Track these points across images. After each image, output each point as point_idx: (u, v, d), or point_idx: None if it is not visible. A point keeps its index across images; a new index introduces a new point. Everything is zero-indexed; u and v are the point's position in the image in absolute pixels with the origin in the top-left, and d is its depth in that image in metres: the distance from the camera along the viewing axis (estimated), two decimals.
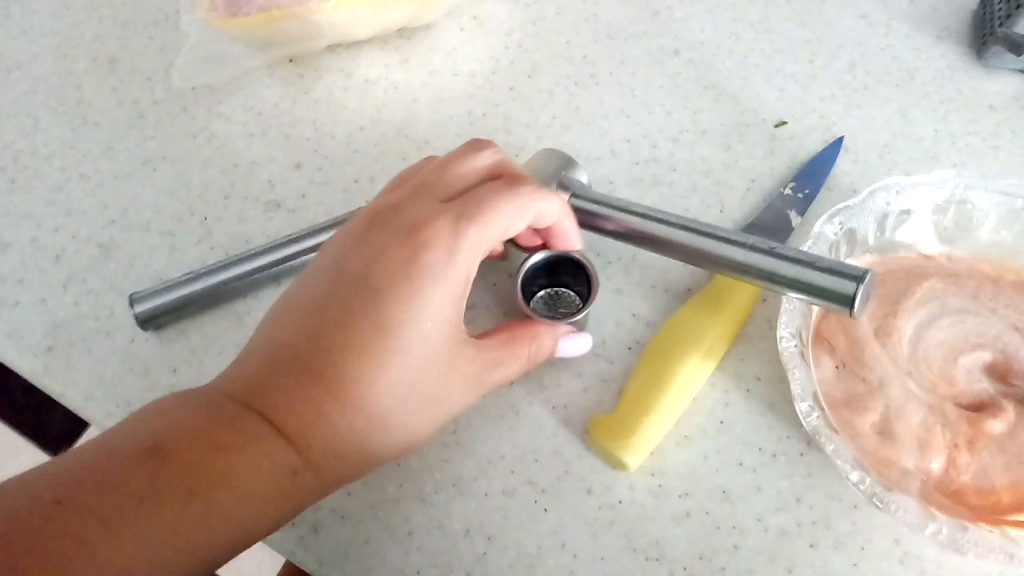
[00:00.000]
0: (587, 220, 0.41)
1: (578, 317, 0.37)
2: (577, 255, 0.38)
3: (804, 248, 0.37)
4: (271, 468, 0.28)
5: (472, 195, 0.32)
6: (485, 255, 0.32)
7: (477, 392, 0.33)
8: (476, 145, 0.35)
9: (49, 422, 1.30)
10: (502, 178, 0.34)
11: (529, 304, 0.39)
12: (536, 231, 0.37)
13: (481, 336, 0.34)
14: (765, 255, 0.35)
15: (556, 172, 0.42)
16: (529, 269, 0.38)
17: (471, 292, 0.43)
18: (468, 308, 0.42)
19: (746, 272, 0.36)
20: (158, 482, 0.26)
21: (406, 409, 0.30)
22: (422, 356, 0.30)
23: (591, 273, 0.38)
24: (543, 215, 0.34)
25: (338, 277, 0.31)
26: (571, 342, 0.37)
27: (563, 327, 0.37)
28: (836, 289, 0.33)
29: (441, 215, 0.31)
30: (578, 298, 0.42)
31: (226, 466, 0.27)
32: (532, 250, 0.38)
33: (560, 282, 0.42)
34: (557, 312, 0.42)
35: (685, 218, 0.38)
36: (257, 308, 0.44)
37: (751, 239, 0.36)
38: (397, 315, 0.29)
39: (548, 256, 0.38)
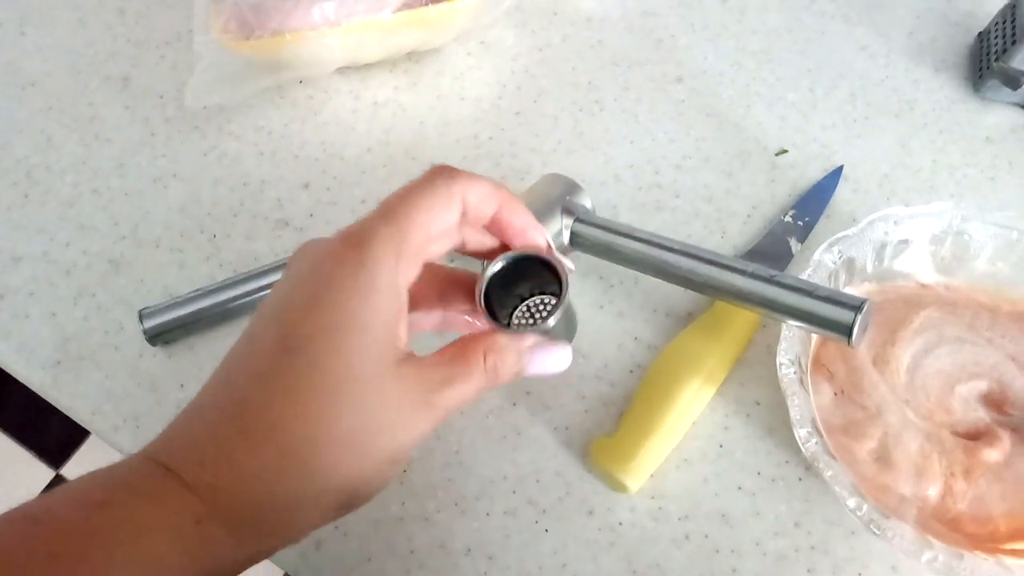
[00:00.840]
0: (591, 245, 0.41)
1: (546, 324, 0.31)
2: (542, 254, 0.31)
3: (804, 276, 0.38)
4: (166, 520, 0.24)
5: (387, 198, 0.28)
6: (417, 260, 0.28)
7: (428, 417, 0.27)
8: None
9: (49, 433, 1.31)
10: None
11: (511, 317, 0.33)
12: (491, 231, 0.31)
13: (430, 356, 0.29)
14: (765, 283, 0.35)
15: (560, 197, 0.42)
16: (492, 278, 0.31)
17: None
18: None
19: (746, 299, 0.36)
20: (26, 546, 0.23)
21: (332, 440, 0.25)
22: (340, 377, 0.25)
23: (560, 273, 0.31)
24: (476, 204, 0.29)
25: (256, 314, 0.27)
26: (544, 356, 0.30)
27: (529, 338, 0.30)
28: (835, 318, 0.33)
29: (353, 225, 0.27)
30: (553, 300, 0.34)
31: (104, 523, 0.23)
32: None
33: (543, 292, 0.34)
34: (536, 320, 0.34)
35: (688, 245, 0.39)
36: None
37: (751, 267, 0.36)
38: (302, 331, 0.25)
39: (508, 260, 0.31)
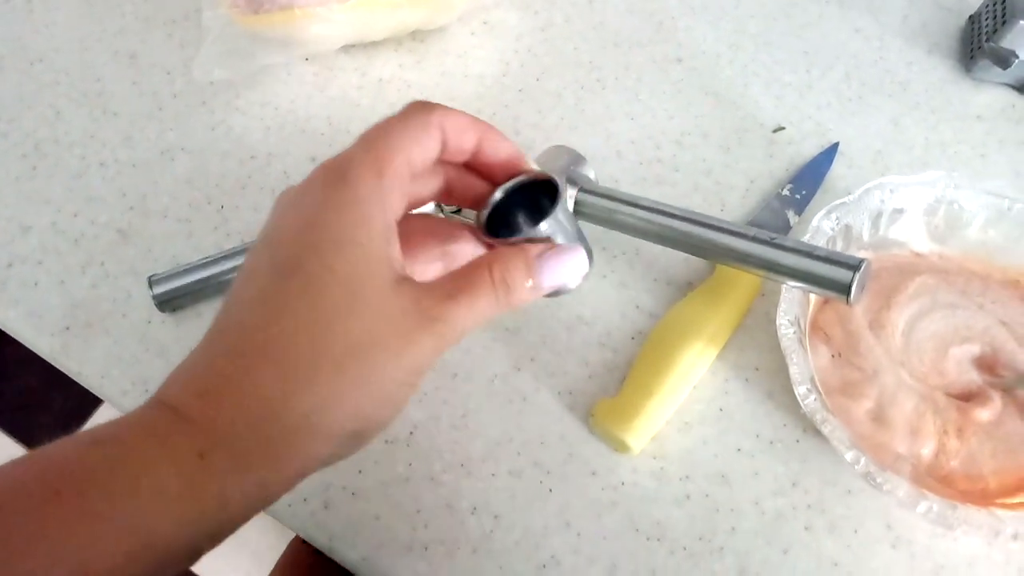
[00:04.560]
0: (595, 214, 0.42)
1: (538, 229, 0.28)
2: (537, 176, 0.30)
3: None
4: (168, 454, 0.23)
5: (366, 131, 0.28)
6: (400, 186, 0.27)
7: (435, 333, 0.26)
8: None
9: (40, 427, 1.30)
10: None
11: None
12: (478, 169, 0.30)
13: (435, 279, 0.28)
14: (766, 245, 0.37)
15: (565, 167, 0.43)
16: (493, 211, 0.30)
17: None
18: None
19: (748, 262, 0.37)
20: (25, 486, 0.22)
21: (332, 357, 0.24)
22: (335, 293, 0.25)
23: (553, 181, 0.29)
24: (456, 134, 0.28)
25: (249, 251, 0.27)
26: (556, 263, 0.29)
27: (535, 247, 0.28)
28: (834, 277, 0.34)
29: (341, 153, 0.27)
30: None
31: (103, 460, 0.23)
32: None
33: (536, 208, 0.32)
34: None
35: (690, 211, 0.40)
36: None
37: (753, 230, 0.37)
38: (293, 252, 0.25)
39: (506, 189, 0.30)
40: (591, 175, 0.44)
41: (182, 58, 0.54)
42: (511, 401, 0.42)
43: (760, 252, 0.37)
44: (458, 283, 0.27)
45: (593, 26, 0.56)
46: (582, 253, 0.29)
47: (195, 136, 0.51)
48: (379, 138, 0.27)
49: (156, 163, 0.50)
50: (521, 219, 0.31)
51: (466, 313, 0.26)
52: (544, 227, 0.28)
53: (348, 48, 0.54)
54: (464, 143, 0.29)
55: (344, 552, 0.38)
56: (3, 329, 0.45)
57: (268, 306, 0.25)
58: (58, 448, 0.23)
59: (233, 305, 0.26)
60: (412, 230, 0.29)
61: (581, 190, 0.42)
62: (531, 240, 0.29)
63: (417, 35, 0.55)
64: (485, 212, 0.30)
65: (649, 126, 0.51)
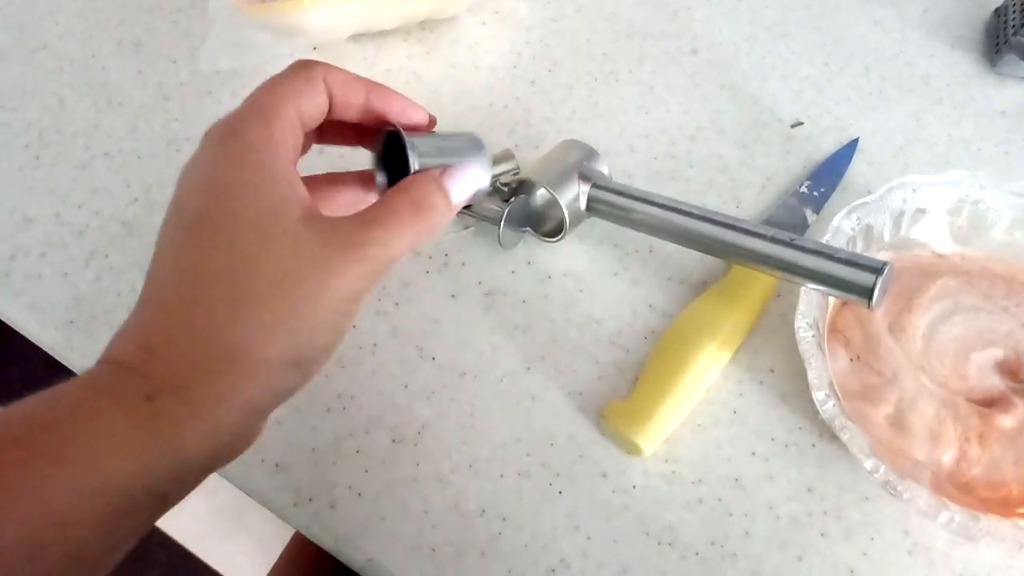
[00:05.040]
0: (608, 211, 0.41)
1: (410, 167, 0.30)
2: (397, 128, 0.31)
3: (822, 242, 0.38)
4: (117, 402, 0.24)
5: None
6: (293, 131, 0.28)
7: (361, 258, 0.27)
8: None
9: None
10: None
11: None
12: (371, 123, 0.32)
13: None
14: (786, 247, 0.36)
15: (578, 162, 0.42)
16: (380, 153, 0.32)
17: (488, 280, 0.44)
18: (486, 294, 0.43)
19: (766, 263, 0.36)
20: None
21: (254, 290, 0.25)
22: (243, 233, 0.25)
23: (399, 131, 0.31)
24: (342, 89, 0.30)
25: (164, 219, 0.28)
26: (461, 175, 0.31)
27: (434, 171, 0.31)
28: (855, 280, 0.33)
29: (230, 112, 0.28)
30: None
31: (58, 413, 0.24)
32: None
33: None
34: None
35: (706, 209, 0.39)
36: None
37: (771, 231, 0.36)
38: (194, 206, 0.26)
39: (384, 134, 0.32)
40: (604, 170, 0.43)
41: (188, 47, 0.53)
42: (520, 401, 0.41)
43: (779, 253, 0.36)
44: (376, 211, 0.28)
45: (605, 17, 0.54)
46: (476, 168, 0.32)
47: (201, 126, 0.49)
48: (263, 93, 0.28)
49: (161, 154, 0.49)
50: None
51: (389, 236, 0.27)
52: (414, 165, 0.30)
53: (356, 38, 0.53)
54: (351, 97, 0.30)
55: (350, 553, 0.38)
56: (6, 322, 0.45)
57: (184, 259, 0.26)
58: (11, 408, 0.24)
59: (155, 268, 0.27)
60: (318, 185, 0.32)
61: (594, 186, 0.41)
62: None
63: (426, 25, 0.54)
64: (376, 155, 0.32)
65: (663, 120, 0.50)
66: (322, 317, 0.26)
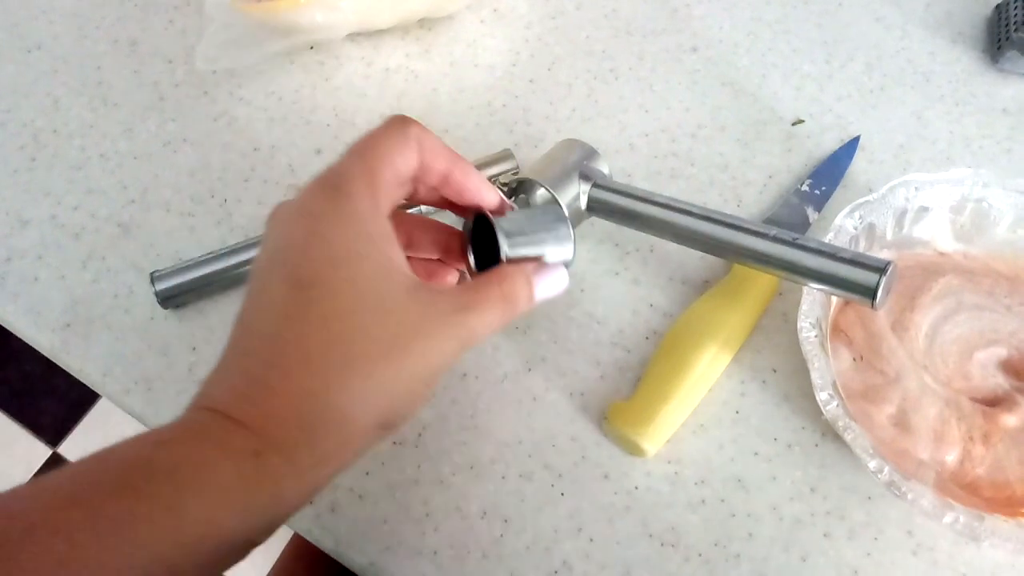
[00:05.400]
0: (609, 210, 0.41)
1: (504, 258, 0.32)
2: (486, 213, 0.33)
3: (825, 241, 0.38)
4: (226, 455, 0.25)
5: (354, 144, 0.30)
6: (389, 195, 0.30)
7: (454, 336, 0.28)
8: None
9: (45, 411, 1.30)
10: None
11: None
12: (447, 193, 0.33)
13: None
14: (788, 246, 0.35)
15: (578, 162, 0.42)
16: (469, 233, 0.34)
17: None
18: None
19: (769, 263, 0.36)
20: (96, 479, 0.24)
21: (364, 356, 0.27)
22: (358, 301, 0.27)
23: (494, 225, 0.32)
24: (430, 152, 0.31)
25: (254, 273, 0.29)
26: (547, 278, 0.33)
27: (528, 264, 0.33)
28: (859, 280, 0.33)
29: (323, 170, 0.29)
30: None
31: (168, 457, 0.25)
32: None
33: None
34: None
35: (707, 209, 0.38)
36: None
37: (774, 230, 0.36)
38: (309, 267, 0.27)
39: (475, 220, 0.34)
40: (605, 170, 0.43)
41: (184, 46, 0.53)
42: (521, 402, 0.41)
43: (782, 253, 0.35)
44: (471, 295, 0.30)
45: (605, 14, 0.54)
46: (565, 273, 0.34)
47: (197, 127, 0.50)
48: (367, 149, 0.29)
49: (158, 155, 0.49)
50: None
51: (479, 323, 0.29)
52: (503, 258, 0.32)
53: (354, 36, 0.52)
54: (436, 163, 0.31)
55: (351, 556, 0.38)
56: (3, 324, 0.44)
57: (293, 317, 0.26)
58: (126, 448, 0.25)
59: (253, 318, 0.27)
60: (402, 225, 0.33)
61: (595, 185, 0.41)
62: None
63: (425, 23, 0.53)
64: (467, 236, 0.34)
65: (664, 118, 0.49)
66: (413, 385, 0.28)
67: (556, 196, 0.40)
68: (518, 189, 0.42)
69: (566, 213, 0.40)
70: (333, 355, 0.26)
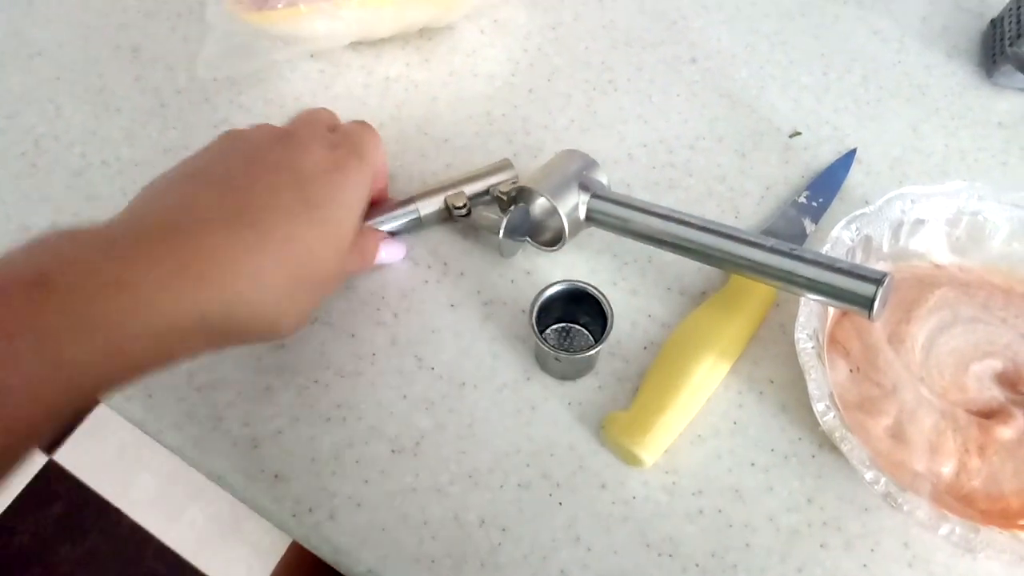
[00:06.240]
0: (608, 221, 0.41)
1: (590, 353, 0.38)
2: (596, 291, 0.39)
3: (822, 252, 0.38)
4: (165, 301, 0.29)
5: (352, 133, 0.40)
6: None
7: (345, 264, 0.38)
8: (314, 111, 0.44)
9: None
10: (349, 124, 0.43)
11: (542, 333, 0.40)
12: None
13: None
14: (786, 257, 0.36)
15: (578, 172, 0.42)
16: (547, 299, 0.39)
17: (488, 289, 0.44)
18: (485, 304, 0.43)
19: (766, 273, 0.36)
20: (43, 314, 0.26)
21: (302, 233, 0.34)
22: (334, 233, 0.36)
23: (608, 313, 0.38)
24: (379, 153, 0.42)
25: (256, 162, 0.36)
26: (384, 251, 0.43)
27: (381, 235, 0.43)
28: (855, 291, 0.33)
29: (345, 142, 0.39)
30: (590, 336, 0.42)
31: (117, 303, 0.27)
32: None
33: (577, 313, 0.42)
34: (571, 347, 0.42)
35: (705, 220, 0.39)
36: None
37: (771, 241, 0.36)
38: (322, 195, 0.35)
39: (566, 288, 0.39)
40: (604, 180, 0.43)
41: (185, 53, 0.53)
42: (520, 411, 0.41)
43: (779, 264, 0.36)
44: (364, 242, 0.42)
45: (603, 25, 0.54)
46: (402, 247, 0.45)
47: (198, 134, 0.50)
48: (369, 144, 0.40)
49: (159, 162, 0.49)
50: (566, 306, 0.41)
51: (354, 265, 0.42)
52: (593, 353, 0.39)
53: (355, 45, 0.53)
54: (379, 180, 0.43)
55: (349, 565, 0.38)
56: None
57: (293, 221, 0.34)
58: (69, 274, 0.28)
59: (254, 201, 0.34)
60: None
61: (594, 196, 0.41)
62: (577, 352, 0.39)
63: (425, 33, 0.54)
64: (537, 305, 0.39)
65: (662, 129, 0.50)
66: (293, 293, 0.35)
67: (556, 205, 0.40)
68: (517, 198, 0.43)
69: (565, 224, 0.41)
70: (297, 246, 0.34)
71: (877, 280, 0.33)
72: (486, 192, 0.45)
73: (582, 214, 0.42)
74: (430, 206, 0.44)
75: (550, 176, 0.42)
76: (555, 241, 0.43)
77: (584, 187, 0.42)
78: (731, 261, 0.37)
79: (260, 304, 0.32)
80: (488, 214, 0.43)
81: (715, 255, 0.38)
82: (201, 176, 0.35)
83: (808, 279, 0.35)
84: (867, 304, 0.33)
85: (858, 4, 0.55)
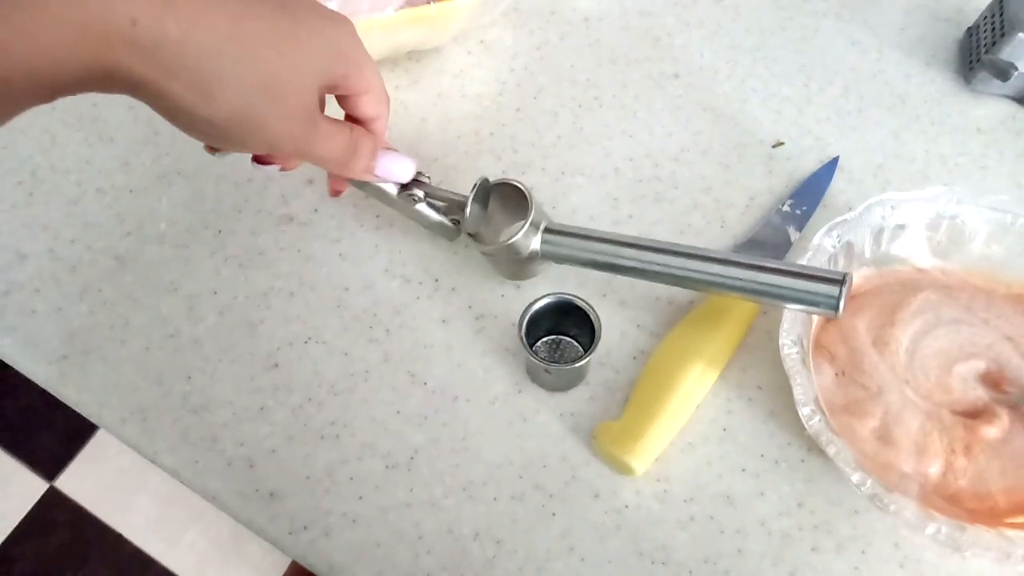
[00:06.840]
0: (561, 254, 0.41)
1: (579, 364, 0.38)
2: (583, 302, 0.39)
3: (804, 260, 0.39)
4: None
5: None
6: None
7: (299, 127, 0.33)
8: None
9: (42, 445, 1.30)
10: None
11: (532, 346, 0.40)
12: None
13: None
14: (747, 269, 0.36)
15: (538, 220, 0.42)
16: (536, 312, 0.39)
17: (479, 304, 0.44)
18: (477, 318, 0.44)
19: (730, 288, 0.37)
20: None
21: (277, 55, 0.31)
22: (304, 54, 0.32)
23: (595, 324, 0.39)
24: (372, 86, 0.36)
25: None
26: (390, 161, 0.38)
27: (386, 148, 0.39)
28: (822, 292, 0.34)
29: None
30: (580, 347, 0.43)
31: None
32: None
33: (565, 325, 0.42)
34: (561, 358, 0.43)
35: (660, 241, 0.39)
36: (270, 317, 0.45)
37: (732, 255, 0.37)
38: (313, 19, 0.32)
39: (554, 301, 0.39)
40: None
41: None
42: (512, 423, 0.41)
43: (741, 276, 0.37)
44: (332, 128, 0.34)
45: (589, 44, 0.55)
46: (412, 163, 0.40)
47: (191, 160, 0.51)
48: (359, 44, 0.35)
49: (153, 188, 0.50)
50: (554, 318, 0.41)
51: (320, 148, 0.34)
52: (581, 364, 0.39)
53: None
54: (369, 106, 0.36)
55: None
56: (1, 358, 0.45)
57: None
58: None
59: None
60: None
61: (546, 230, 0.41)
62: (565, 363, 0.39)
63: (413, 55, 0.55)
64: (527, 317, 0.39)
65: (647, 143, 0.51)
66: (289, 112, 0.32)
67: (528, 191, 0.40)
68: (481, 186, 0.42)
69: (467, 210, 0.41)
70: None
71: (840, 280, 0.34)
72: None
73: (536, 243, 0.41)
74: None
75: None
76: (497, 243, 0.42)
77: (535, 224, 0.41)
78: (693, 279, 0.38)
79: (196, 60, 0.28)
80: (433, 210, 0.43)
81: (678, 276, 0.38)
82: None
83: (772, 287, 0.36)
84: (834, 304, 0.34)
85: (837, 17, 0.56)
